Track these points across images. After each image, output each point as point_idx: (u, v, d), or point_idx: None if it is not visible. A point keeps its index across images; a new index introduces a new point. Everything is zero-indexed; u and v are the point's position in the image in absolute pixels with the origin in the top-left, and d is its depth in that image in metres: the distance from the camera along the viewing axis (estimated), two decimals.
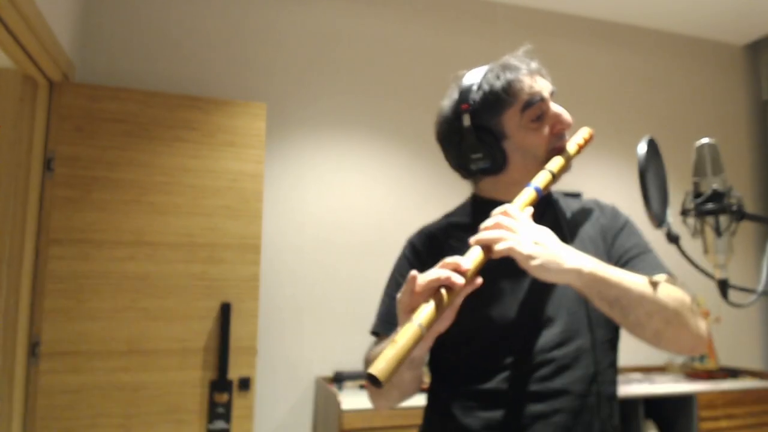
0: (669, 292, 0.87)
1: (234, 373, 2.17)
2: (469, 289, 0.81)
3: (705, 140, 0.93)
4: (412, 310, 0.76)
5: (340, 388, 2.43)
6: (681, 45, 3.49)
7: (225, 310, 2.17)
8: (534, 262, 0.80)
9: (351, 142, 2.77)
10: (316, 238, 2.65)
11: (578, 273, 0.81)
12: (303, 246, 2.63)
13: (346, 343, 2.59)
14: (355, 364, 2.54)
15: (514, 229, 0.83)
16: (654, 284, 0.87)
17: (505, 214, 0.86)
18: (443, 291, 0.77)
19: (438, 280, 0.77)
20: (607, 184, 3.12)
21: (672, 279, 0.95)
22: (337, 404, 2.03)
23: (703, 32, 3.48)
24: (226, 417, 2.14)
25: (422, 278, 0.78)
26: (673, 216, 0.96)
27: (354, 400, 2.12)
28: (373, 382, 0.69)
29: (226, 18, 2.65)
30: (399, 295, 0.81)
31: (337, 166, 2.73)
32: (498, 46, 3.07)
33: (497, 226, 0.84)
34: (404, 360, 0.70)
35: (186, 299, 2.15)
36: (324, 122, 2.73)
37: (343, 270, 2.67)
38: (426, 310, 0.75)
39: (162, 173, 2.18)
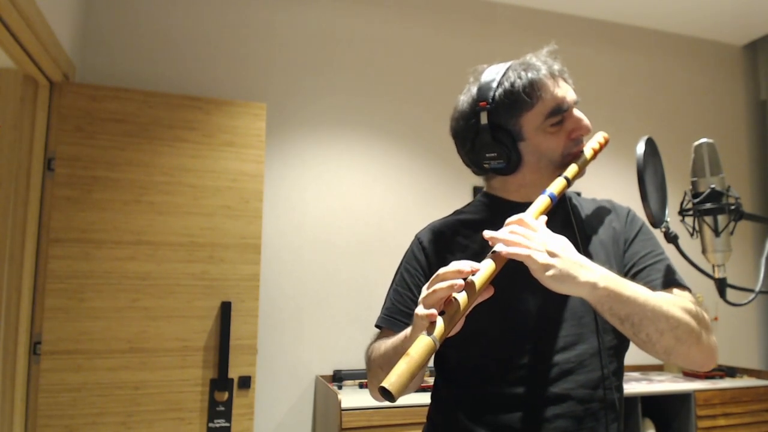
0: (683, 308, 0.85)
1: (234, 372, 2.18)
2: (480, 300, 0.80)
3: (703, 140, 0.93)
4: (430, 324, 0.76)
5: (339, 386, 2.44)
6: (680, 45, 3.50)
7: (225, 310, 2.18)
8: (548, 274, 0.78)
9: (351, 142, 2.77)
10: (316, 237, 2.66)
11: (592, 288, 0.79)
12: (303, 246, 2.63)
13: (346, 342, 2.60)
14: (354, 363, 2.55)
15: (530, 238, 0.81)
16: (668, 301, 0.85)
17: (519, 222, 0.83)
18: (457, 300, 0.76)
19: (451, 287, 0.76)
20: (606, 184, 3.12)
21: (686, 290, 0.94)
22: (337, 403, 2.04)
23: (702, 32, 3.49)
24: (227, 415, 2.14)
25: (432, 293, 0.77)
26: (671, 215, 0.97)
27: (354, 398, 2.13)
28: (385, 395, 0.68)
29: (226, 18, 2.65)
30: (417, 311, 0.80)
31: (337, 166, 2.74)
32: (498, 46, 3.08)
33: (511, 235, 0.82)
34: (417, 373, 0.70)
35: (186, 298, 2.15)
36: (324, 122, 2.74)
37: (342, 270, 2.68)
38: (439, 323, 0.74)
39: (162, 173, 2.19)
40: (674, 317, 0.83)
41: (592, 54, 3.28)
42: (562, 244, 0.82)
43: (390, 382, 0.68)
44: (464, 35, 3.04)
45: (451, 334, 0.81)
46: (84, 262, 2.05)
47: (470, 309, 0.79)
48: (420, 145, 2.86)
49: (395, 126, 2.85)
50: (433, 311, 0.75)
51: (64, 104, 2.09)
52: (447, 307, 0.76)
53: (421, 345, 0.72)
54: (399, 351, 0.88)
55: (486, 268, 0.80)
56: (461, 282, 0.76)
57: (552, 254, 0.79)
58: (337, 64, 2.80)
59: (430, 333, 0.73)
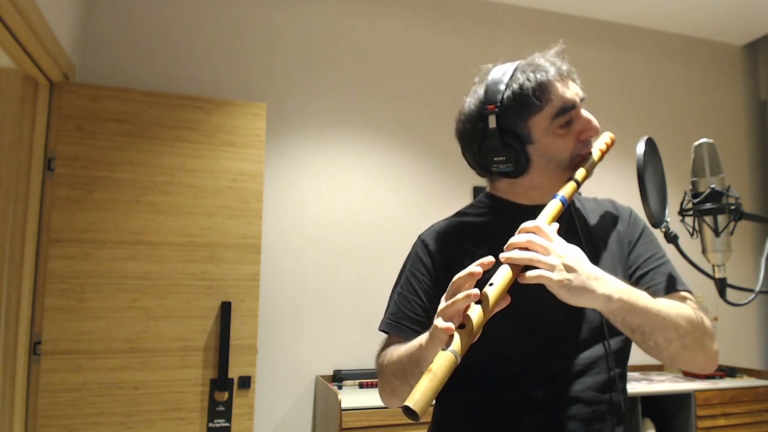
0: (689, 317, 0.87)
1: (234, 372, 2.17)
2: (498, 309, 0.79)
3: (703, 140, 0.93)
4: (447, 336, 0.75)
5: (339, 386, 2.44)
6: (680, 45, 3.50)
7: (225, 310, 2.18)
8: (565, 290, 0.78)
9: (351, 142, 2.77)
10: (316, 237, 2.66)
11: (607, 300, 0.80)
12: (303, 246, 2.63)
13: (346, 342, 2.60)
14: (354, 363, 2.55)
15: (548, 249, 0.80)
16: (676, 309, 0.86)
17: (536, 230, 0.82)
18: (473, 315, 0.75)
19: (468, 297, 0.75)
20: (606, 184, 3.12)
21: (689, 294, 0.95)
22: (337, 403, 2.04)
23: (702, 32, 3.49)
24: (227, 415, 2.14)
25: (451, 305, 0.76)
26: (671, 215, 0.97)
27: (353, 398, 2.13)
28: (408, 414, 0.67)
29: (226, 18, 2.65)
30: (436, 322, 0.78)
31: (337, 166, 2.74)
32: (498, 46, 3.08)
33: (529, 244, 0.80)
34: (440, 389, 0.70)
35: (186, 298, 2.15)
36: (324, 122, 2.74)
37: (342, 269, 2.67)
38: (458, 337, 0.74)
39: (162, 173, 2.19)
40: (682, 326, 0.85)
41: (592, 54, 3.28)
42: (576, 255, 0.81)
43: (414, 400, 0.67)
44: (464, 35, 3.04)
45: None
46: (84, 262, 2.05)
47: (488, 317, 0.78)
48: (420, 145, 2.86)
49: (395, 126, 2.85)
50: (451, 325, 0.74)
51: (64, 104, 2.09)
52: (466, 320, 0.75)
53: (443, 361, 0.71)
54: (413, 359, 0.87)
55: (503, 277, 0.79)
56: (477, 291, 0.75)
57: (568, 268, 0.79)
58: (337, 64, 2.80)
59: (449, 347, 0.72)
